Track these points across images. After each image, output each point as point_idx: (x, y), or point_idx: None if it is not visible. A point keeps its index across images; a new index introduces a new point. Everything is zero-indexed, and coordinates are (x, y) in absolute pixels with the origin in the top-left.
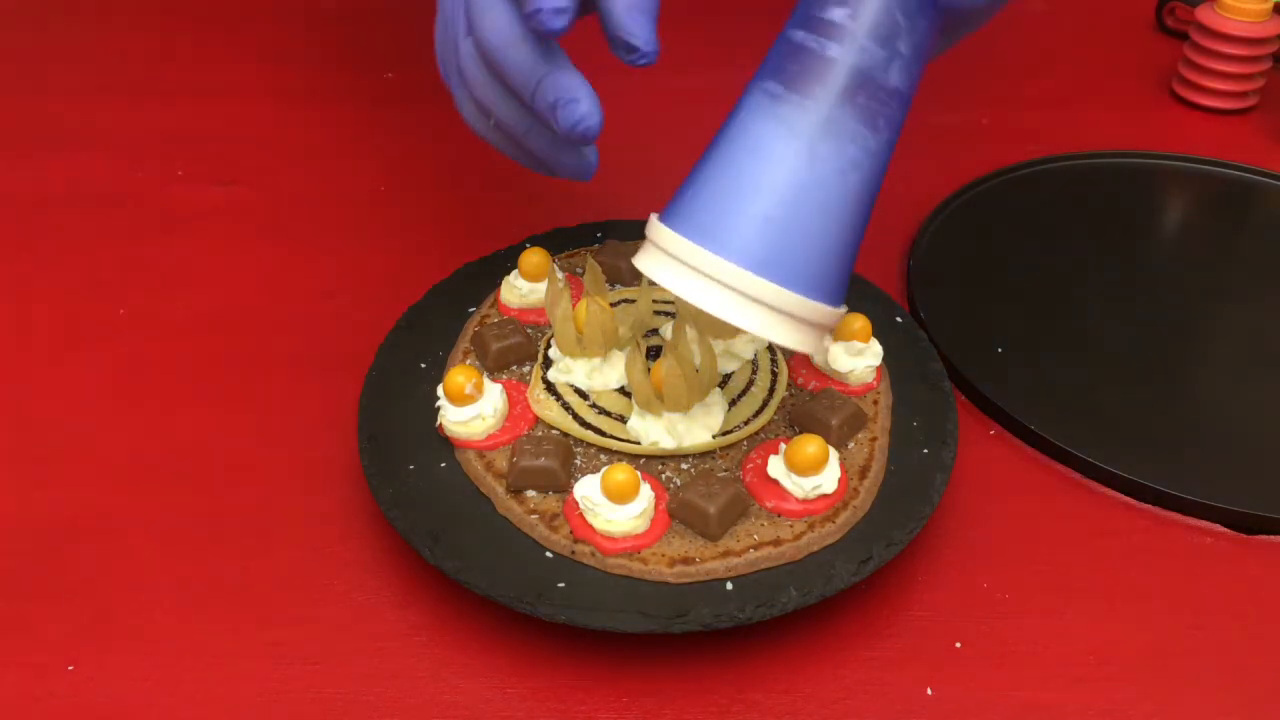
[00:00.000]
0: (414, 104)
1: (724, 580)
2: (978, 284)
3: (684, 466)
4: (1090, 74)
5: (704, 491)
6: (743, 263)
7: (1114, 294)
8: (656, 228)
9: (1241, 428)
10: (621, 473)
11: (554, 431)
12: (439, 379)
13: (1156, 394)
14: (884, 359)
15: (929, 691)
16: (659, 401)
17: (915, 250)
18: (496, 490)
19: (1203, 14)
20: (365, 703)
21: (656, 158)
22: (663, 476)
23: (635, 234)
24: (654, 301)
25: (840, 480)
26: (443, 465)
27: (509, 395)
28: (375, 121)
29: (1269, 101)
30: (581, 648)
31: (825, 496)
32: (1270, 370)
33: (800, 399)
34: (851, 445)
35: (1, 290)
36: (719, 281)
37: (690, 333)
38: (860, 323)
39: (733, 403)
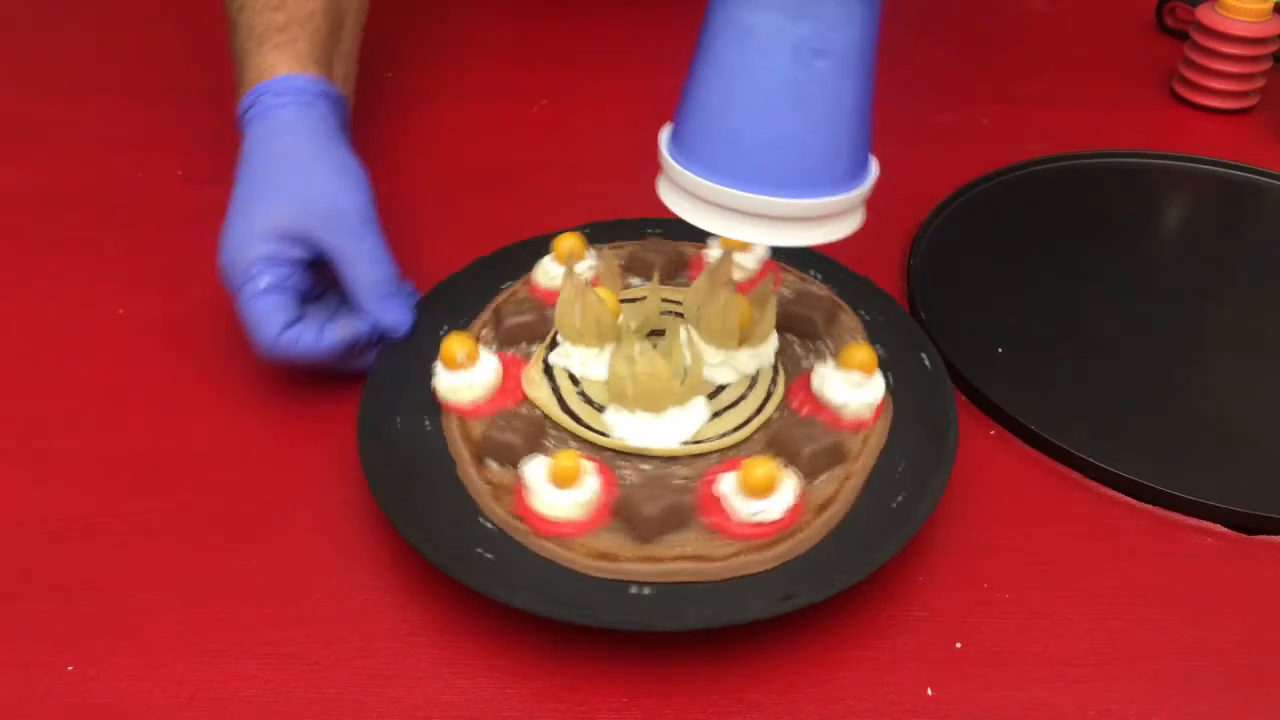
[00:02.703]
0: (414, 104)
1: (635, 583)
2: (978, 284)
3: (644, 467)
4: (1090, 74)
5: (647, 494)
6: (725, 181)
7: (1114, 294)
8: (661, 150)
9: (1241, 428)
10: (568, 459)
11: (536, 412)
12: None
13: (1156, 394)
14: (892, 386)
15: (929, 692)
16: (629, 398)
17: (915, 250)
18: (463, 455)
19: (1203, 14)
20: (365, 703)
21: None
22: (621, 473)
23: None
24: (663, 300)
25: (793, 510)
26: (426, 424)
27: (506, 370)
28: (375, 121)
29: (1269, 101)
30: (581, 648)
31: (765, 524)
32: (1270, 370)
33: (786, 422)
34: (821, 479)
35: (1, 290)
36: (706, 202)
37: (685, 335)
38: (864, 354)
39: (718, 414)
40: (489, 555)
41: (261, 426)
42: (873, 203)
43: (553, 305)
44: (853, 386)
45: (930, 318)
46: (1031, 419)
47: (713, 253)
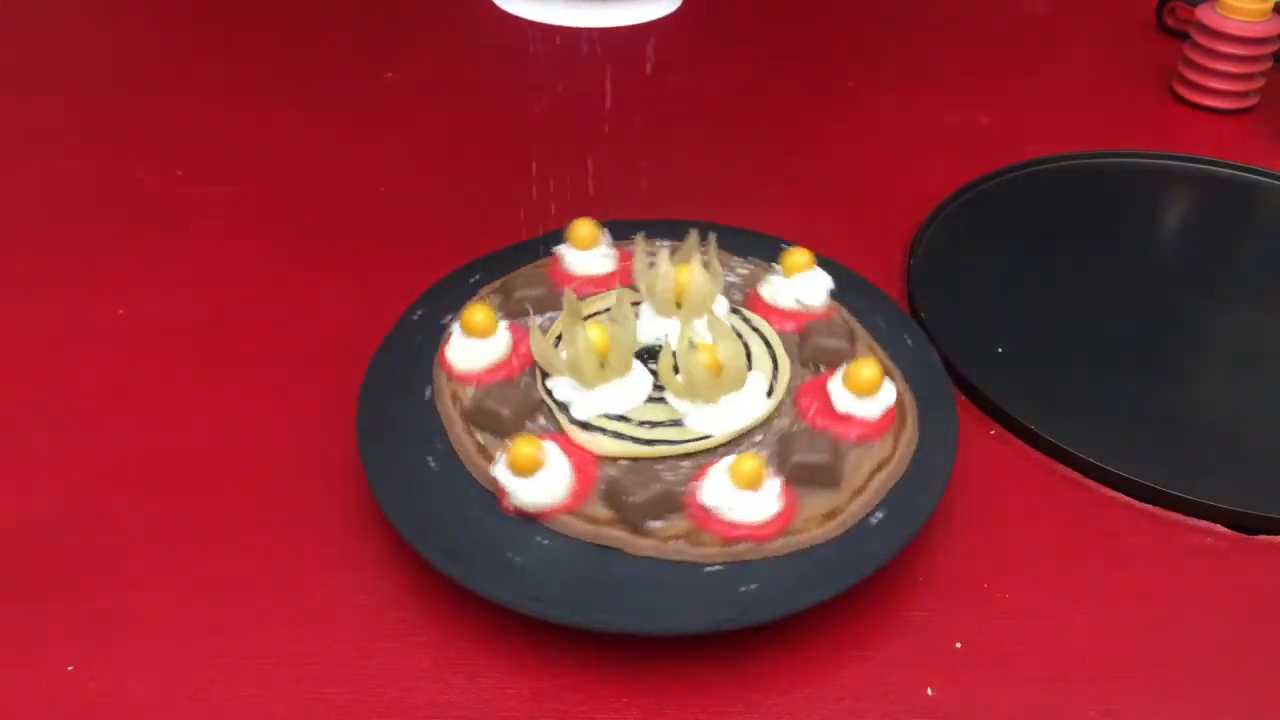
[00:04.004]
0: (414, 104)
1: (870, 516)
2: (978, 284)
3: (758, 439)
4: (1090, 74)
5: (806, 447)
6: None
7: (1114, 294)
8: None
9: (1241, 428)
10: (749, 461)
11: (625, 462)
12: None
13: (1156, 394)
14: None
15: (929, 692)
16: (717, 385)
17: (915, 250)
18: (613, 535)
19: (1203, 14)
20: (365, 703)
21: (661, 151)
22: (758, 449)
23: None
24: (632, 305)
25: (889, 410)
26: (544, 542)
27: (564, 448)
28: (375, 121)
29: (1269, 101)
30: (582, 648)
31: (890, 409)
32: (1270, 370)
33: (794, 341)
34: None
35: (1, 290)
36: None
37: (707, 319)
38: (801, 255)
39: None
40: (755, 586)
41: (261, 426)
42: (873, 203)
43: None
44: (809, 284)
45: (930, 318)
46: (1031, 419)
47: (566, 257)
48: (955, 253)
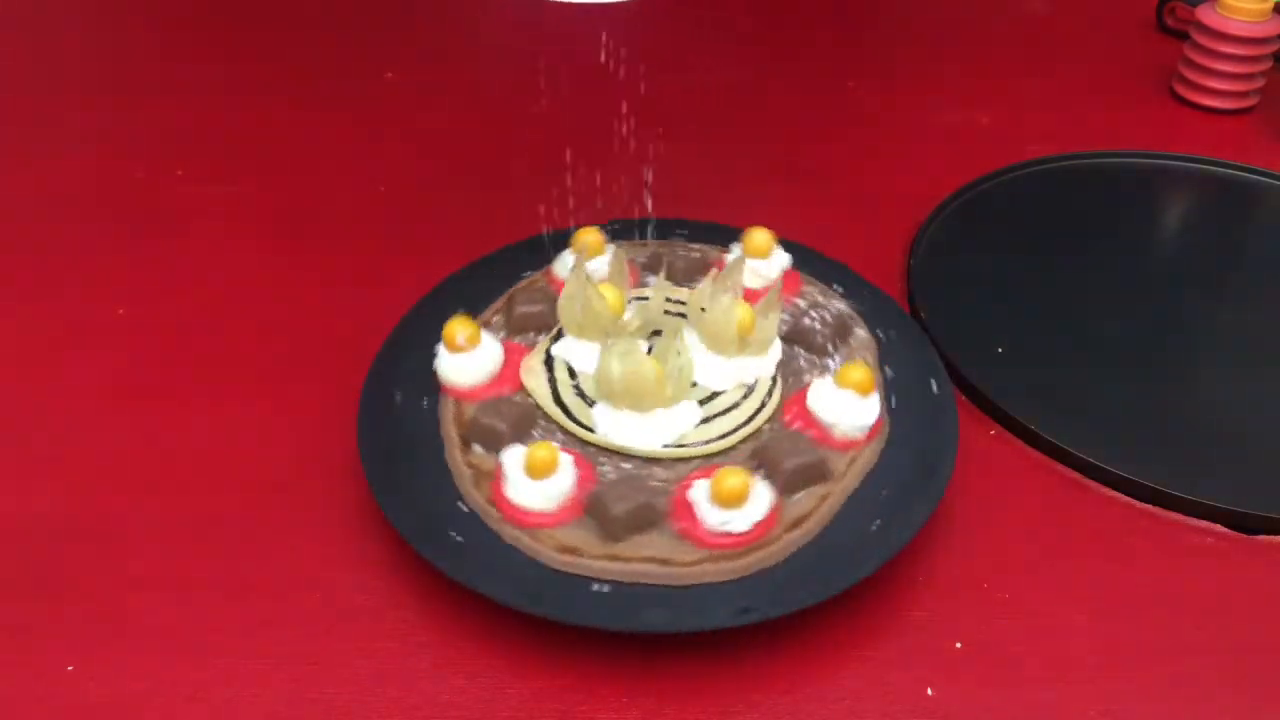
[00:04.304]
0: (414, 104)
1: (597, 581)
2: (978, 284)
3: (625, 465)
4: (1090, 74)
5: (619, 493)
6: None
7: (1114, 294)
8: None
9: (1241, 427)
10: (543, 450)
11: (530, 401)
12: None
13: (1156, 394)
14: (893, 408)
15: (929, 692)
16: (616, 396)
17: (915, 250)
18: (451, 436)
19: (1203, 14)
20: (365, 703)
21: (662, 151)
22: (602, 469)
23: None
24: (667, 300)
25: (763, 523)
26: (424, 404)
27: (508, 357)
28: (375, 121)
29: (1269, 101)
30: (581, 648)
31: (733, 535)
32: (1270, 370)
33: (774, 434)
34: (799, 496)
35: (1, 290)
36: None
37: (682, 336)
38: (861, 374)
39: (708, 419)
40: (459, 538)
41: (261, 427)
42: (873, 203)
43: None
44: (846, 405)
45: (930, 318)
46: (1031, 419)
47: (734, 256)
48: (955, 253)
